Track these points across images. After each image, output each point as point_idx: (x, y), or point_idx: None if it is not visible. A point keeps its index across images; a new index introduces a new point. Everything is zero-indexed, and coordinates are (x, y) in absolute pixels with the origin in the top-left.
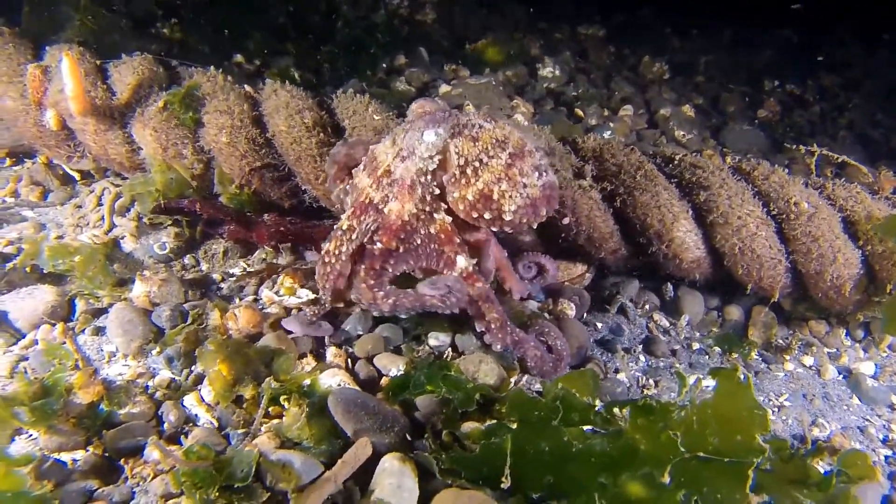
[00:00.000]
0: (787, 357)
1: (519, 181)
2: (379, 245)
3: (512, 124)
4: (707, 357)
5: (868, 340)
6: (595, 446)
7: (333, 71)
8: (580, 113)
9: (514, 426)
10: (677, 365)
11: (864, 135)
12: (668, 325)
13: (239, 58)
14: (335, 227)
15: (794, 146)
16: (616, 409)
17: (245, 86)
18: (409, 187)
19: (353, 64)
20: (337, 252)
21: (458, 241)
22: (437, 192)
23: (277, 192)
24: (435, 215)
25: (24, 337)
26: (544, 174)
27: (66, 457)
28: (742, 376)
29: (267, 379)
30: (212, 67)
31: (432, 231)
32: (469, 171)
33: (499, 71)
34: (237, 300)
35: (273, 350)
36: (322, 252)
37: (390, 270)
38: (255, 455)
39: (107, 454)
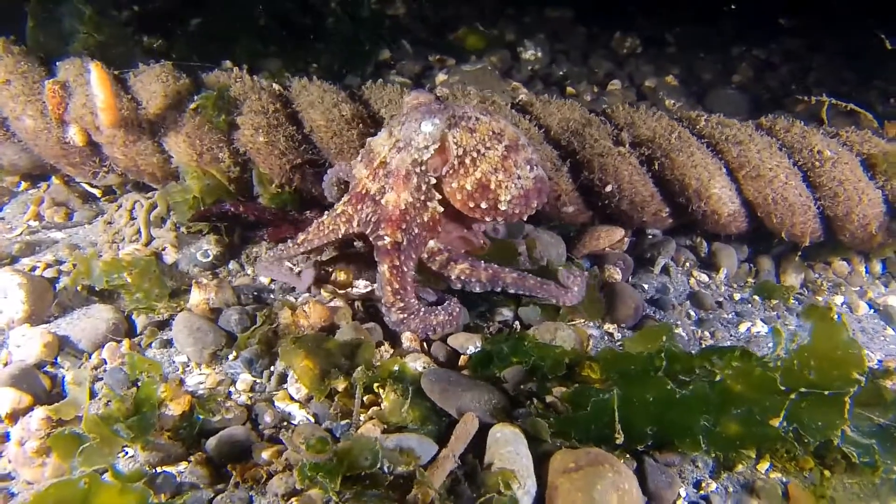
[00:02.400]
0: (820, 298)
1: (514, 172)
2: (387, 239)
3: (505, 119)
4: (750, 306)
5: (887, 275)
6: (698, 391)
7: (322, 69)
8: (572, 91)
9: (601, 384)
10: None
11: (833, 92)
12: (707, 279)
13: (228, 63)
14: (332, 209)
15: (804, 97)
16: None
17: (274, 84)
18: (403, 177)
19: (347, 60)
20: (331, 227)
21: (439, 229)
22: (433, 181)
23: (319, 188)
24: (428, 204)
25: (90, 358)
26: (535, 168)
27: (170, 470)
28: (837, 315)
29: (359, 368)
30: (235, 69)
31: (425, 219)
32: (467, 160)
33: (483, 57)
34: (291, 300)
35: (351, 341)
36: (318, 220)
37: (407, 269)
38: (378, 441)
39: (210, 462)
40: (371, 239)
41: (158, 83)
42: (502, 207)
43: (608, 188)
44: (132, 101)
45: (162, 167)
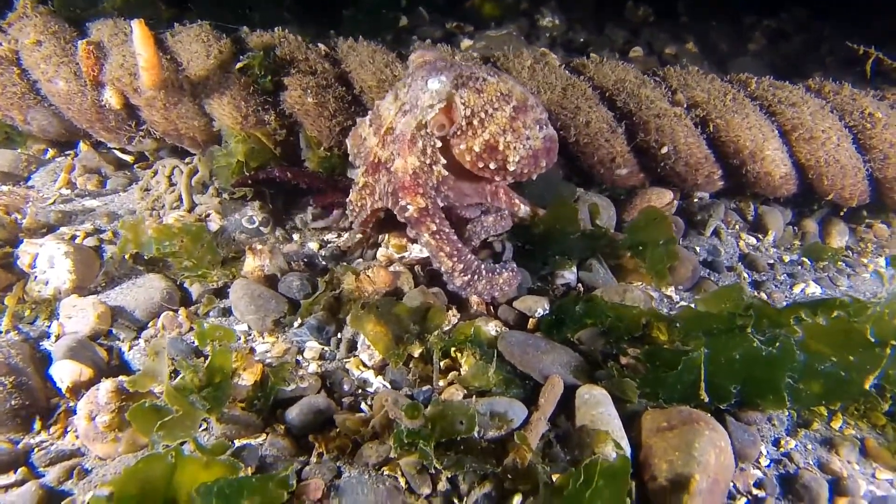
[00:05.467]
0: (865, 260)
1: (523, 133)
2: (410, 208)
3: (513, 79)
4: (800, 268)
5: None
6: (786, 347)
7: (341, 36)
8: (597, 58)
9: (670, 344)
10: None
11: (846, 58)
12: (755, 242)
13: (245, 30)
14: (354, 181)
15: (857, 46)
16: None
17: (320, 44)
18: (409, 141)
19: (371, 27)
20: (360, 203)
21: (443, 189)
22: (439, 144)
23: None
24: (434, 167)
25: (146, 327)
26: (545, 127)
27: (251, 442)
28: None
29: (435, 333)
30: (277, 28)
31: (432, 181)
32: (475, 122)
33: (503, 24)
34: (341, 265)
35: (421, 306)
36: (347, 199)
37: (448, 230)
38: (473, 406)
39: (289, 433)
40: (396, 213)
41: (199, 43)
42: (511, 168)
43: (664, 150)
44: (172, 61)
45: (203, 131)
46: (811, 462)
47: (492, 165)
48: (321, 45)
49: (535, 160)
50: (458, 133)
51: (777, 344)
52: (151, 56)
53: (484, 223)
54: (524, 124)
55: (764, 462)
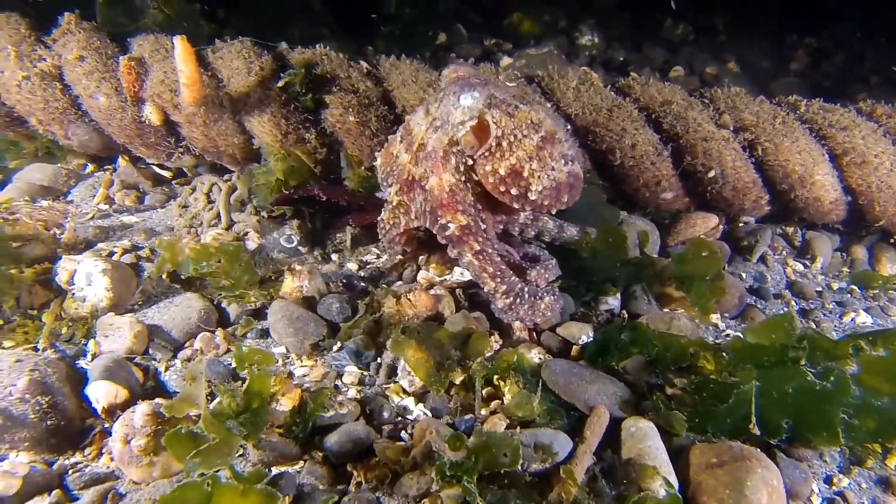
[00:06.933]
0: None
1: (548, 163)
2: (452, 226)
3: (545, 111)
4: (850, 296)
5: None
6: (841, 382)
7: (379, 53)
8: (642, 79)
9: (718, 375)
10: None
11: (889, 77)
12: (802, 269)
13: (285, 46)
14: (386, 200)
15: None
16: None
17: (362, 62)
18: (442, 158)
19: (407, 44)
20: (392, 222)
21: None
22: (470, 162)
23: None
24: (468, 184)
25: (183, 348)
26: (570, 163)
27: (288, 469)
28: None
29: (477, 360)
30: (319, 45)
31: (470, 199)
32: (504, 144)
33: (541, 42)
34: (381, 288)
35: (462, 331)
36: (379, 218)
37: (492, 250)
38: (517, 437)
39: (327, 461)
40: (436, 232)
41: (241, 59)
42: (532, 197)
43: (712, 173)
44: (212, 78)
45: (243, 148)
46: (866, 502)
47: (513, 191)
48: (363, 63)
49: (557, 193)
50: (486, 154)
51: (832, 378)
52: (192, 72)
53: (528, 278)
54: (550, 155)
55: (816, 501)
